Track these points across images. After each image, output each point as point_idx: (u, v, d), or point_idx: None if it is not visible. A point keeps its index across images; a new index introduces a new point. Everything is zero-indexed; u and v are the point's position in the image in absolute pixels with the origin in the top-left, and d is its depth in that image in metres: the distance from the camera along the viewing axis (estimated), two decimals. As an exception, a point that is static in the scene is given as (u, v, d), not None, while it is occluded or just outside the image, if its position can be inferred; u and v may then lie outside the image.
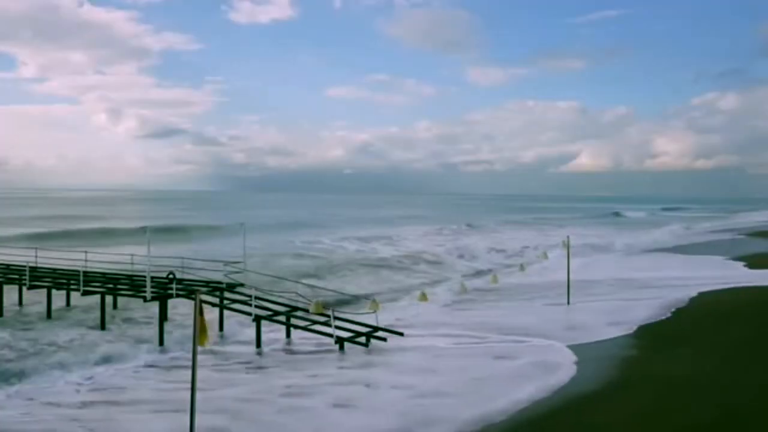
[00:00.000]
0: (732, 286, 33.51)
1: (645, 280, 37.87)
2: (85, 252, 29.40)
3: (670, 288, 33.18)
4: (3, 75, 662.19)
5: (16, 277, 28.69)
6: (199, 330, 10.46)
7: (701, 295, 30.70)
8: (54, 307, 27.78)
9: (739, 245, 61.56)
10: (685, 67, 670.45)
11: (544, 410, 14.92)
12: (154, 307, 25.39)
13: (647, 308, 27.33)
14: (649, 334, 22.95)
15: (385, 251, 58.53)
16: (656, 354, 20.31)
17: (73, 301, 28.95)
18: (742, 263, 45.88)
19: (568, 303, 29.70)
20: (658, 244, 68.74)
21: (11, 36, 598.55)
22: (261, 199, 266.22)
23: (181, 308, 26.91)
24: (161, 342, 22.99)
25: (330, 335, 22.15)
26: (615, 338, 22.57)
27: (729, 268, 44.00)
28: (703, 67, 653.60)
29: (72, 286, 27.11)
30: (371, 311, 25.25)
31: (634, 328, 23.82)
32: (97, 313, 25.87)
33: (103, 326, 25.19)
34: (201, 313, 10.42)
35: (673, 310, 27.04)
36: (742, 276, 38.68)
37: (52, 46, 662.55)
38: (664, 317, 25.76)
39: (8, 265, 30.67)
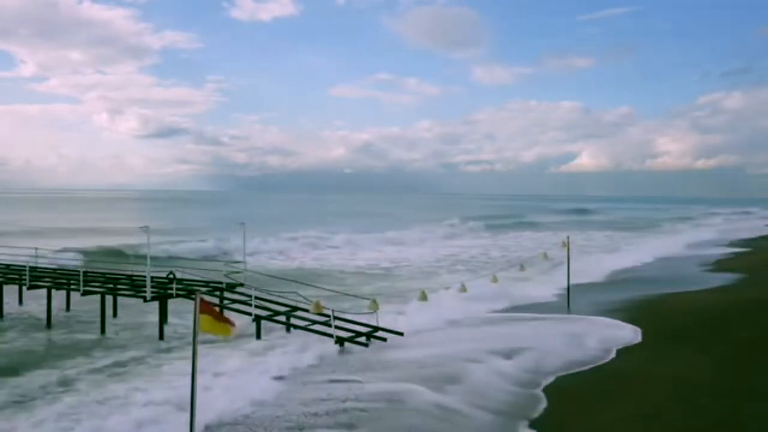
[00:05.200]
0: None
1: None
2: (85, 252, 29.42)
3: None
4: (2, 74, 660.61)
5: (16, 276, 28.70)
6: (218, 323, 10.50)
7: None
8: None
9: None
10: (690, 67, 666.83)
11: (541, 409, 14.95)
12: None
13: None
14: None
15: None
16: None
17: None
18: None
19: (568, 306, 29.67)
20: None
21: (10, 34, 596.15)
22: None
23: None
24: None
25: (330, 335, 22.16)
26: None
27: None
28: (707, 66, 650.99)
29: (72, 286, 27.12)
30: (371, 311, 25.22)
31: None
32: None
33: (102, 330, 25.17)
34: (205, 311, 10.39)
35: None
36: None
37: (51, 44, 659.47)
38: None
39: (8, 265, 30.69)
